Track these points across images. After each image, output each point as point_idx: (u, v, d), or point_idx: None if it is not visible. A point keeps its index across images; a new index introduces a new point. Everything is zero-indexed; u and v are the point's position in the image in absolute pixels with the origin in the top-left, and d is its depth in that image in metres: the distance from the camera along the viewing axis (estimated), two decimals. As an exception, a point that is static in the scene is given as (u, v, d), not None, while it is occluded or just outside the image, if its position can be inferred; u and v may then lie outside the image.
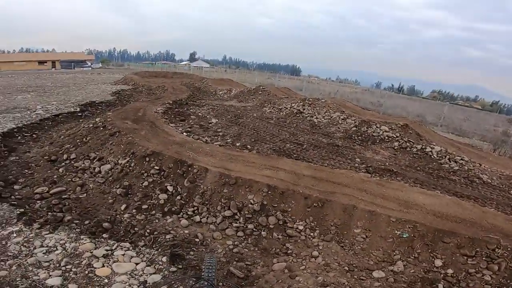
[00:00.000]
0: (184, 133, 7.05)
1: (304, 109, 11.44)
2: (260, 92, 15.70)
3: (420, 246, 3.46)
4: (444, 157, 7.76)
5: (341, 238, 3.74)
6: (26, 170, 5.00)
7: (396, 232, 3.61)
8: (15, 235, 3.31)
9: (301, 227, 3.89)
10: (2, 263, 2.88)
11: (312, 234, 3.83)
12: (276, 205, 4.11)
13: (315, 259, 3.39)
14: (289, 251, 3.57)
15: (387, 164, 6.87)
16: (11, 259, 2.95)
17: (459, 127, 15.79)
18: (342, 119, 10.55)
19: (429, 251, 3.42)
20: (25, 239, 3.26)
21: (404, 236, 3.54)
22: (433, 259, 3.35)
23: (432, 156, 7.83)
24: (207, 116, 10.09)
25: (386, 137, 8.93)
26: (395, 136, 8.85)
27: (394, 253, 3.48)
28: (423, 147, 8.29)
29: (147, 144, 5.25)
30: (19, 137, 6.71)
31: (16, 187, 4.43)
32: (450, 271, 3.22)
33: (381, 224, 3.72)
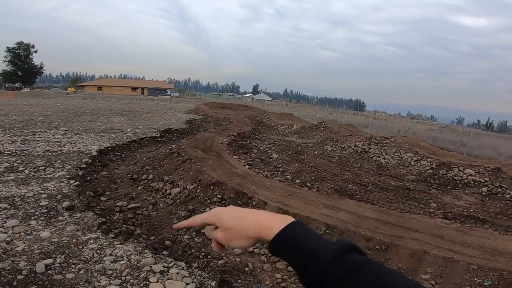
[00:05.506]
0: (246, 166, 7.33)
1: (369, 149, 10.80)
2: (322, 129, 15.53)
3: (502, 292, 2.95)
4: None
5: (404, 283, 3.37)
6: (113, 185, 5.82)
7: (475, 280, 3.15)
8: (92, 241, 3.68)
9: (358, 269, 3.61)
10: (73, 266, 3.14)
11: (370, 276, 3.53)
12: (334, 246, 3.90)
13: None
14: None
15: (471, 210, 6.00)
16: (82, 263, 3.20)
17: None
18: (416, 160, 9.57)
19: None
20: (99, 246, 3.59)
21: (485, 283, 3.09)
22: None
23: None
24: (268, 151, 10.34)
25: (472, 182, 7.77)
26: (483, 181, 7.64)
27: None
28: (521, 195, 6.91)
29: (213, 174, 5.62)
30: (111, 155, 7.94)
31: (102, 198, 5.16)
32: None
33: (457, 271, 3.29)
